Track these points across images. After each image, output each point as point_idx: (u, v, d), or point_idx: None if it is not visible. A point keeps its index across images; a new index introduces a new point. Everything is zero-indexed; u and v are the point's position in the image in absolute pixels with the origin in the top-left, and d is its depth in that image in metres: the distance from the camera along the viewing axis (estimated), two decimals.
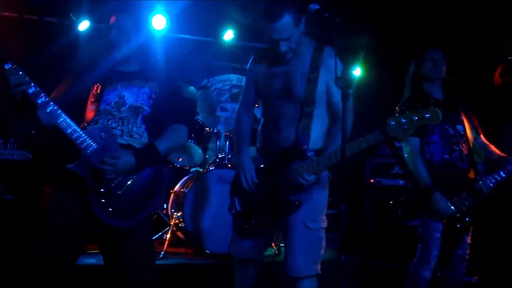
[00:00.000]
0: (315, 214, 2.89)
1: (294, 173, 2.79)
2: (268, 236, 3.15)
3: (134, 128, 2.75)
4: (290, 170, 2.82)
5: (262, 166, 2.98)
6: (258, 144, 3.12)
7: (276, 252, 4.99)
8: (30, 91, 2.54)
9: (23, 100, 2.56)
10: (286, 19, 2.74)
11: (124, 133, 2.72)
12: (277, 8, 2.74)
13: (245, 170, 2.96)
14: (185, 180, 5.30)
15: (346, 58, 2.84)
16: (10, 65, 2.53)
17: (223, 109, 7.36)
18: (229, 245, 3.12)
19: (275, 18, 2.73)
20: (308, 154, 2.86)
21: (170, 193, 5.29)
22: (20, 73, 2.54)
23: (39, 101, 2.55)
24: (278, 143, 2.92)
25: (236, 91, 7.54)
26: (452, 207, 3.32)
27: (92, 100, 2.77)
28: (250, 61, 3.12)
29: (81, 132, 2.58)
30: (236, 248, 3.05)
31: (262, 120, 3.11)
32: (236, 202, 3.02)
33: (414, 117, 2.54)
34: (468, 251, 3.48)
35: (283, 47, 2.81)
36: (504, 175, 3.39)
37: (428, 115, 2.54)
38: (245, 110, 3.17)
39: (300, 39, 2.86)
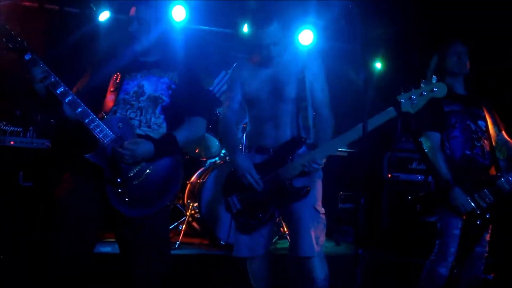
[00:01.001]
0: (318, 199, 3.07)
1: (305, 159, 2.93)
2: (271, 228, 3.24)
3: (153, 119, 2.74)
4: (294, 159, 2.98)
5: (260, 162, 3.08)
6: (249, 144, 3.25)
7: None
8: (49, 81, 2.55)
9: (48, 95, 2.58)
10: (275, 25, 3.00)
11: (142, 123, 2.72)
12: (267, 15, 3.01)
13: (248, 169, 3.04)
14: (201, 171, 5.31)
15: (367, 49, 2.86)
16: (30, 56, 2.55)
17: None
18: (234, 244, 3.19)
19: (265, 24, 2.99)
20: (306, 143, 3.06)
21: (187, 184, 5.31)
22: (41, 64, 2.55)
23: (58, 91, 2.56)
24: (276, 139, 3.07)
25: None
26: (472, 203, 3.28)
27: (112, 89, 2.78)
28: (233, 68, 3.30)
29: (99, 122, 2.59)
30: (242, 249, 3.13)
31: (251, 122, 3.23)
32: (235, 201, 3.12)
33: (423, 92, 2.85)
34: (487, 249, 3.43)
35: (274, 51, 3.06)
36: None
37: (436, 89, 2.86)
38: (232, 114, 3.25)
39: (285, 43, 3.13)
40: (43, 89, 2.57)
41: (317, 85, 3.12)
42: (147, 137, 2.68)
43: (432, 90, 2.86)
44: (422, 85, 2.88)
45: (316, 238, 2.97)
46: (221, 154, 5.46)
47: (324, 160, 2.96)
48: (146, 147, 2.61)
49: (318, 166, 2.95)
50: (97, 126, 2.58)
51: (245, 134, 4.99)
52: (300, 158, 2.97)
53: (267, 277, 3.21)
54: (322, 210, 3.05)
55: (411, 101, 2.84)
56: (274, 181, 3.02)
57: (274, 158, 3.06)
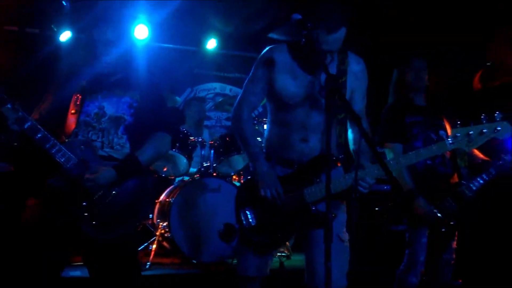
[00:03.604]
0: (344, 225, 2.76)
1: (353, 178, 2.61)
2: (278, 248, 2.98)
3: (115, 139, 2.72)
4: (322, 181, 2.65)
5: (281, 175, 2.74)
6: (268, 152, 2.84)
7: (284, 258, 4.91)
8: (5, 108, 2.50)
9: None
10: (343, 31, 2.57)
11: (104, 144, 2.69)
12: (338, 18, 2.54)
13: (274, 183, 2.68)
14: (170, 189, 5.27)
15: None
16: None
17: (207, 118, 7.35)
18: (237, 262, 2.86)
19: (334, 29, 2.53)
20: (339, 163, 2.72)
21: (156, 203, 5.26)
22: None
23: (17, 117, 2.52)
24: (302, 154, 2.72)
25: (220, 99, 7.54)
26: (436, 212, 3.34)
27: (72, 111, 2.74)
28: (263, 60, 2.77)
29: (60, 146, 2.55)
30: (249, 267, 2.77)
31: (273, 126, 2.84)
32: (249, 216, 2.76)
33: (484, 130, 2.59)
34: (454, 256, 3.49)
35: (328, 58, 2.64)
36: (486, 178, 3.43)
37: (499, 128, 2.59)
38: (249, 112, 2.82)
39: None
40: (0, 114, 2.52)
41: (359, 93, 2.78)
42: (110, 158, 2.67)
43: (495, 130, 2.58)
44: (483, 121, 2.63)
45: (341, 270, 2.65)
46: (190, 171, 5.43)
47: (373, 181, 2.61)
48: (107, 175, 2.58)
49: (368, 185, 2.60)
50: (59, 150, 2.54)
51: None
52: (344, 177, 2.63)
53: None
54: (347, 237, 2.72)
55: (468, 137, 2.60)
56: (296, 201, 2.68)
57: (298, 174, 2.72)
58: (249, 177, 2.83)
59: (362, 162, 2.64)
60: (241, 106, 2.81)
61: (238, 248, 2.88)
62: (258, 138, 3.29)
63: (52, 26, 6.09)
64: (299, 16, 2.56)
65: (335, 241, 2.50)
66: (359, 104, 2.78)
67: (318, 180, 2.68)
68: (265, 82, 2.76)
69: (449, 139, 2.67)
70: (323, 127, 2.69)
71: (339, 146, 2.71)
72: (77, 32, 6.10)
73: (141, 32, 6.24)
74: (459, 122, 2.67)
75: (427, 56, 3.66)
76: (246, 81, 2.85)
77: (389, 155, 3.49)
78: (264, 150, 2.88)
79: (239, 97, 2.86)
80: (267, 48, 2.81)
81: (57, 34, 6.13)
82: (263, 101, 2.89)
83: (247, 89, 2.81)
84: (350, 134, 2.86)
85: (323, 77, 2.55)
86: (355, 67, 2.77)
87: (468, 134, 2.62)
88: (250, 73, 2.84)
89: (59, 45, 6.11)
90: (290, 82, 2.71)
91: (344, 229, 2.75)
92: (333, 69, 2.69)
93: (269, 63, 2.75)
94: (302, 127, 2.71)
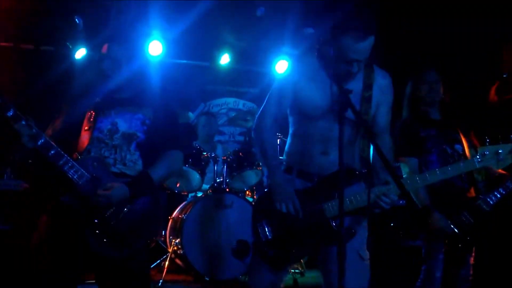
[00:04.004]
0: (364, 242, 2.69)
1: (374, 192, 2.56)
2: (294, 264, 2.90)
3: (128, 156, 2.72)
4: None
5: (301, 188, 2.69)
6: (288, 164, 2.80)
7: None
8: (19, 124, 2.50)
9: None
10: (372, 40, 2.50)
11: (117, 161, 2.70)
12: (368, 26, 2.49)
13: (290, 197, 2.63)
14: (183, 205, 5.26)
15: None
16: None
17: (220, 133, 7.36)
18: (250, 278, 2.82)
19: (363, 37, 2.47)
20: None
21: (168, 219, 5.24)
22: (10, 107, 2.49)
23: (30, 134, 2.53)
24: (323, 167, 2.66)
25: (233, 114, 7.54)
26: (453, 227, 3.29)
27: (86, 128, 2.76)
28: (287, 71, 2.80)
29: (73, 163, 2.56)
30: (263, 281, 2.71)
31: (294, 139, 2.80)
32: (266, 229, 2.68)
33: None
34: (471, 272, 3.43)
35: (355, 68, 2.56)
36: (503, 192, 3.37)
37: None
38: (273, 124, 2.76)
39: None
40: (15, 131, 2.53)
41: (384, 107, 2.73)
42: (122, 175, 2.67)
43: None
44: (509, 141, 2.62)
45: None
46: (203, 187, 5.42)
47: (396, 197, 2.55)
48: (120, 191, 2.58)
49: (390, 202, 2.55)
50: (72, 167, 2.55)
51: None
52: (365, 192, 2.56)
53: None
54: (367, 255, 2.64)
55: (497, 156, 2.58)
56: (315, 216, 2.61)
57: (318, 188, 2.65)
58: (266, 189, 2.77)
59: (386, 177, 2.58)
60: (263, 117, 2.77)
61: (252, 262, 2.83)
62: None
63: (67, 43, 6.16)
64: (312, 30, 2.55)
65: (354, 259, 2.51)
66: (383, 118, 2.74)
67: (337, 195, 2.57)
68: (290, 92, 2.71)
69: (477, 157, 2.62)
70: (345, 141, 2.53)
71: (362, 160, 2.67)
72: (91, 49, 6.16)
73: (155, 48, 6.29)
74: (488, 140, 2.63)
75: (440, 67, 3.63)
76: (269, 92, 2.81)
77: (404, 170, 3.45)
78: (284, 163, 2.83)
79: (261, 108, 2.82)
80: (291, 59, 2.79)
81: (73, 51, 6.19)
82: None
83: (269, 100, 2.78)
84: None
85: (351, 88, 2.47)
86: (381, 81, 2.72)
87: (498, 153, 2.58)
88: (273, 85, 2.82)
89: (74, 62, 6.18)
90: (314, 93, 2.66)
91: (365, 246, 2.66)
92: (359, 82, 2.66)
93: (293, 74, 2.73)
94: (323, 140, 2.67)
